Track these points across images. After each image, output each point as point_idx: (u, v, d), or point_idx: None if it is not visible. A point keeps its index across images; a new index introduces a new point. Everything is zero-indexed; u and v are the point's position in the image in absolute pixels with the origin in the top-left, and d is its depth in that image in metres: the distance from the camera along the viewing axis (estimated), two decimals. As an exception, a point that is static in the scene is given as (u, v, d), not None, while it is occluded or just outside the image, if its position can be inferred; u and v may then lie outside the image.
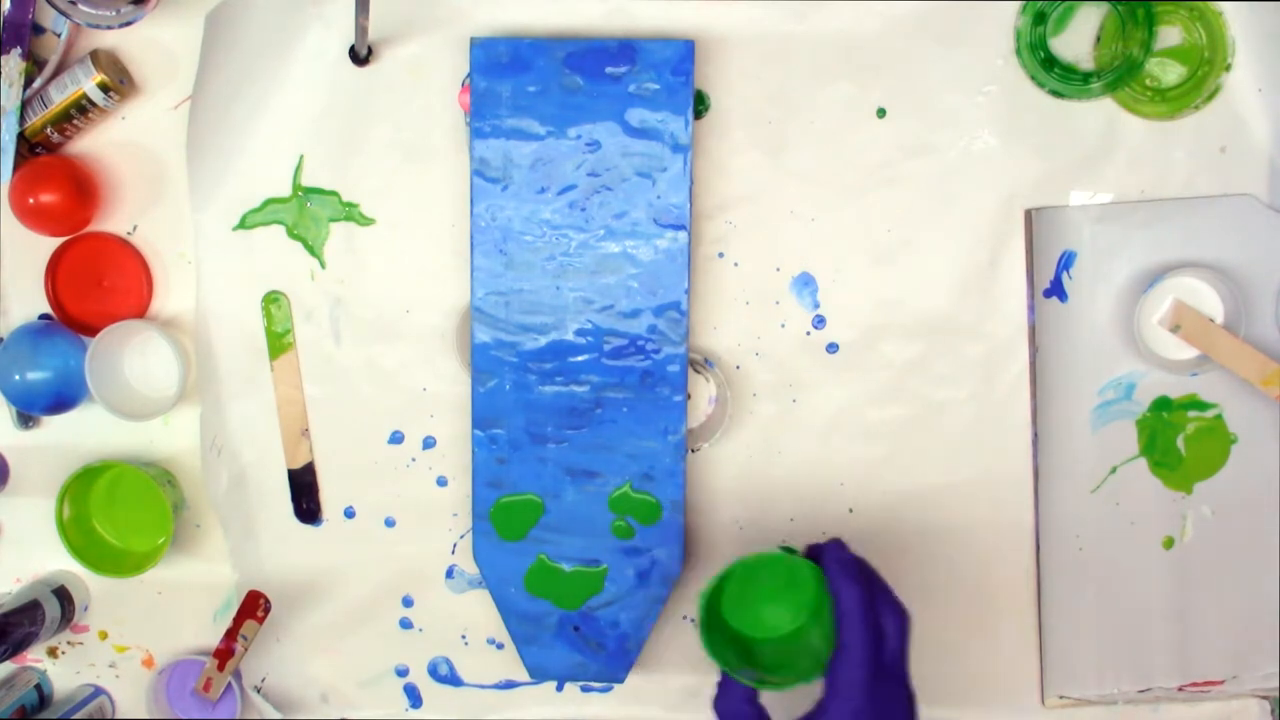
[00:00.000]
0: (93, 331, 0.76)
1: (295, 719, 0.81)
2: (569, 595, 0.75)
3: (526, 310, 0.73)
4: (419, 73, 0.74)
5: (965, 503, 0.77)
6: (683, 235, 0.71)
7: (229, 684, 0.79)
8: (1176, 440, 0.76)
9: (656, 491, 0.74)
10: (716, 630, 0.67)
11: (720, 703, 0.66)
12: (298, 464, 0.79)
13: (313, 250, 0.77)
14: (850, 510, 0.77)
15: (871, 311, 0.75)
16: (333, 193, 0.76)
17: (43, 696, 0.83)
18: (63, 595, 0.80)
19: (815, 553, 0.66)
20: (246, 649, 0.77)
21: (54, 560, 0.82)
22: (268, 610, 0.77)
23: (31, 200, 0.74)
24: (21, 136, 0.75)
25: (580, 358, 0.73)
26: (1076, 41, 0.72)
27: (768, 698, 0.66)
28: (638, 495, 0.74)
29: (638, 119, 0.71)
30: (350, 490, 0.79)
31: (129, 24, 0.72)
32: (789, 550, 0.67)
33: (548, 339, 0.73)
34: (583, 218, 0.72)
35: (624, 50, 0.70)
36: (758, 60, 0.73)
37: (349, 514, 0.79)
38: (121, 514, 0.80)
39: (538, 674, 0.78)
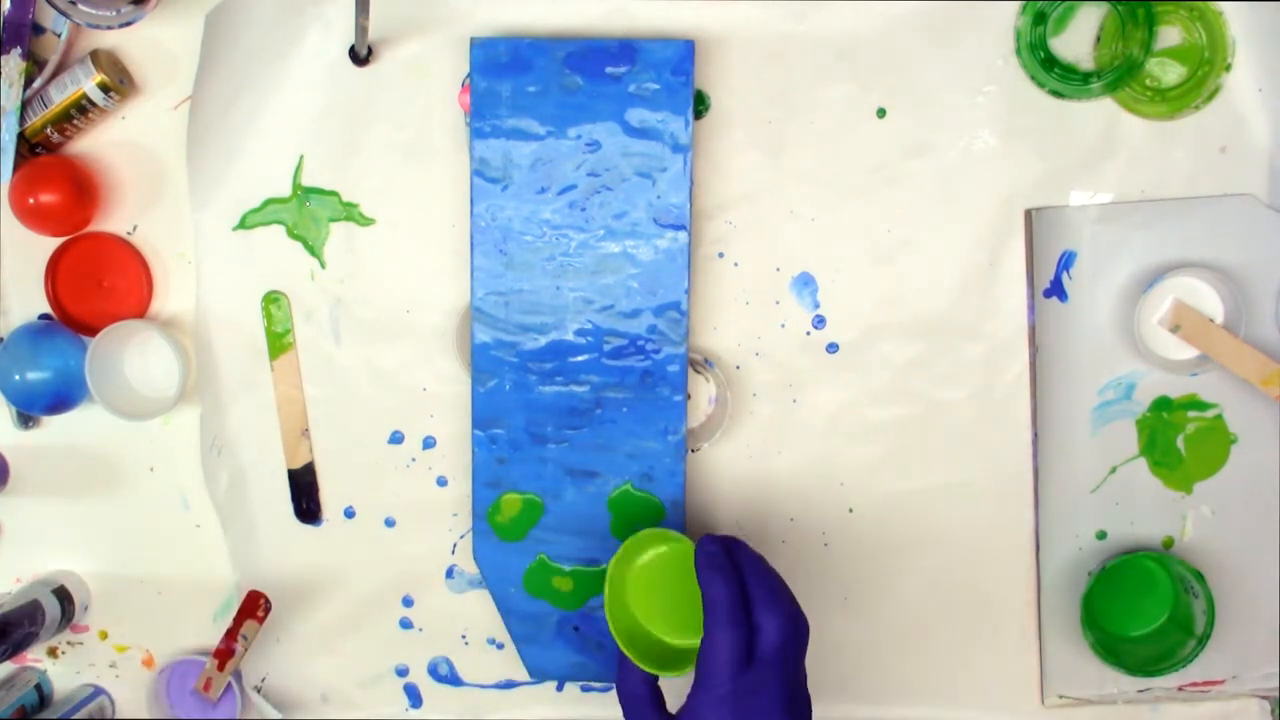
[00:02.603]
0: (93, 331, 0.76)
1: (295, 719, 0.81)
2: (569, 595, 0.75)
3: (526, 310, 0.73)
4: (419, 73, 0.74)
5: (965, 503, 0.77)
6: (683, 235, 0.72)
7: (229, 684, 0.79)
8: (1176, 440, 0.76)
9: (657, 491, 0.74)
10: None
11: (621, 683, 0.68)
12: (298, 464, 0.79)
13: (313, 250, 0.77)
14: (850, 510, 0.77)
15: (871, 311, 0.75)
16: (333, 193, 0.76)
17: (43, 696, 0.83)
18: (63, 595, 0.80)
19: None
20: (246, 649, 0.77)
21: (54, 560, 0.82)
22: (268, 610, 0.77)
23: (31, 200, 0.74)
24: (21, 136, 0.75)
25: (580, 358, 0.73)
26: (1076, 41, 0.72)
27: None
28: (638, 495, 0.74)
29: (638, 119, 0.71)
30: (350, 490, 0.79)
31: (129, 24, 0.72)
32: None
33: (548, 339, 0.73)
34: (583, 218, 0.72)
35: (624, 50, 0.70)
36: (758, 60, 0.73)
37: (349, 514, 0.79)
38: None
39: (538, 674, 0.78)
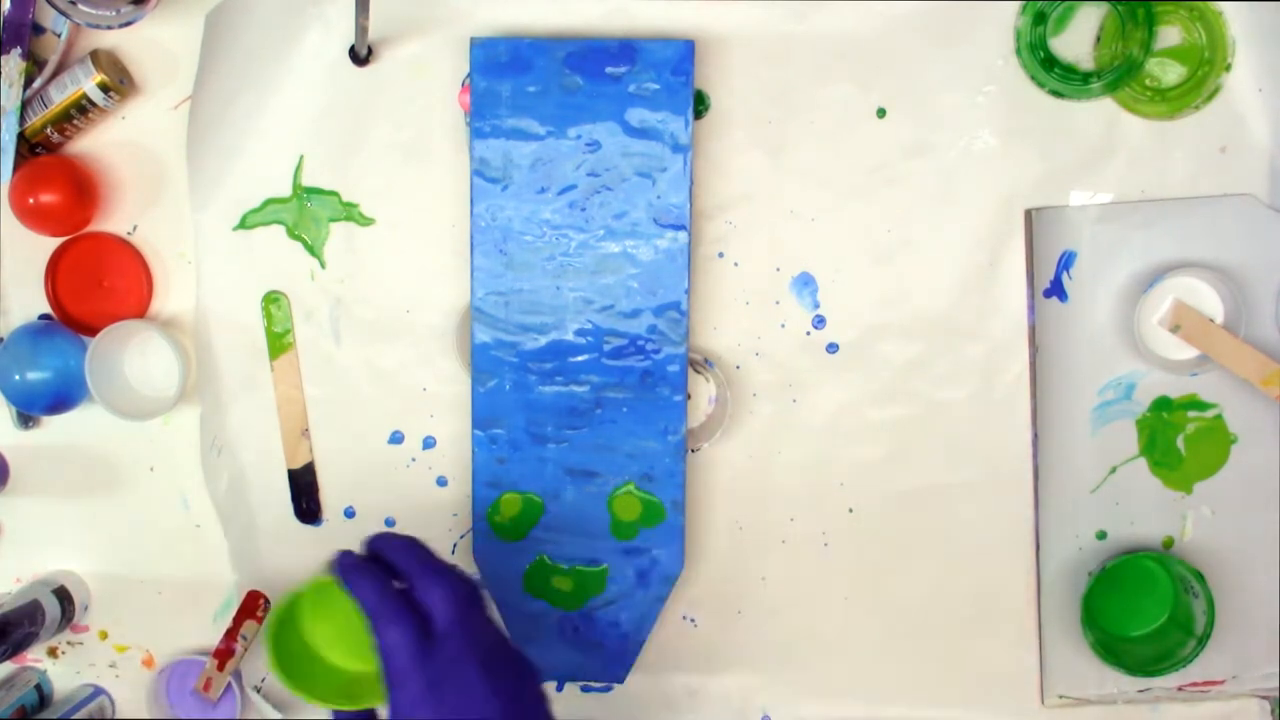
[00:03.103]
0: (93, 331, 0.76)
1: (295, 719, 0.81)
2: (569, 595, 0.75)
3: (526, 310, 0.73)
4: (419, 73, 0.74)
5: (965, 503, 0.77)
6: (683, 235, 0.71)
7: (229, 684, 0.79)
8: (1176, 440, 0.76)
9: (657, 491, 0.74)
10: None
11: None
12: (298, 464, 0.79)
13: (313, 250, 0.77)
14: (850, 510, 0.77)
15: (871, 311, 0.75)
16: (333, 193, 0.76)
17: (43, 696, 0.83)
18: (63, 595, 0.80)
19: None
20: (246, 649, 0.77)
21: (54, 560, 0.82)
22: (267, 610, 0.77)
23: (31, 200, 0.74)
24: (21, 136, 0.75)
25: (580, 358, 0.73)
26: (1076, 41, 0.72)
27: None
28: (640, 495, 0.74)
29: (638, 119, 0.71)
30: (350, 490, 0.79)
31: (129, 24, 0.72)
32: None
33: (548, 339, 0.73)
34: (583, 218, 0.72)
35: (624, 50, 0.70)
36: (758, 60, 0.73)
37: (349, 514, 0.79)
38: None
39: (538, 674, 0.78)
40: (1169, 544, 0.77)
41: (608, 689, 0.80)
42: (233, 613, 0.78)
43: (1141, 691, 0.78)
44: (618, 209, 0.72)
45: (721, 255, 0.75)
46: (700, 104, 0.73)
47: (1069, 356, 0.75)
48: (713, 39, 0.72)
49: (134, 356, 0.79)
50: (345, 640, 0.64)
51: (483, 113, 0.71)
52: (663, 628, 0.78)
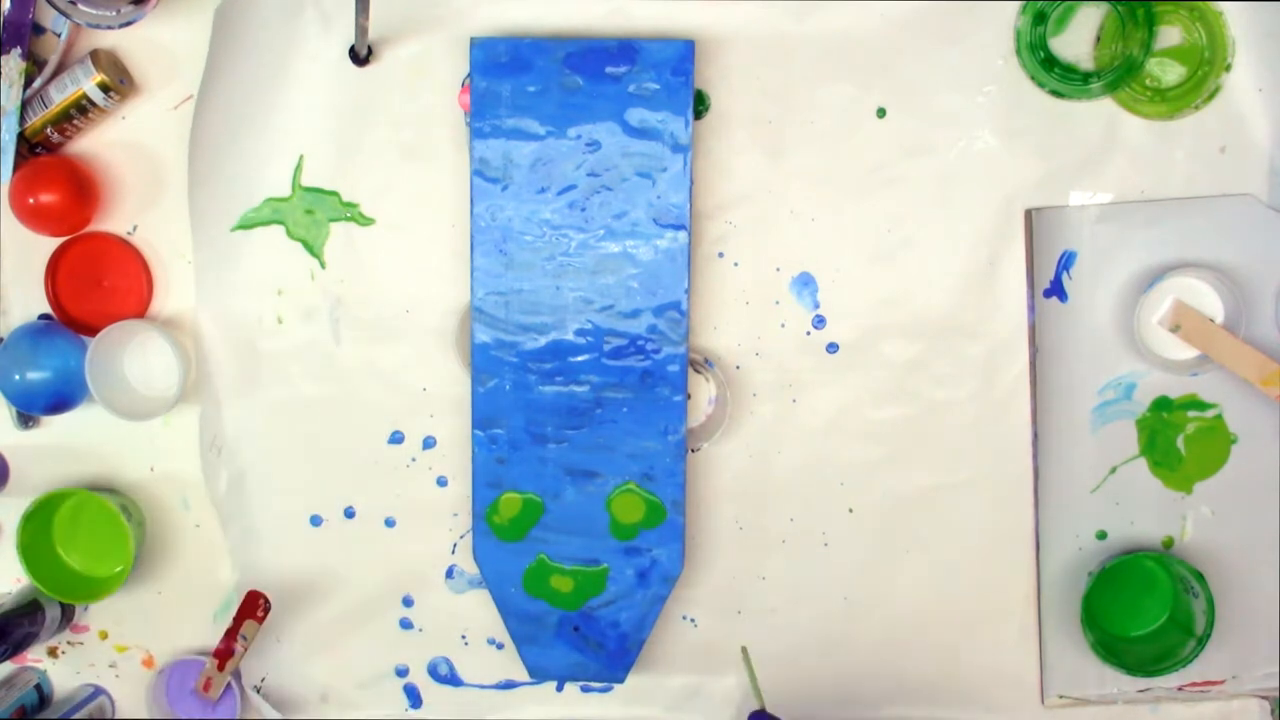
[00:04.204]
0: (93, 331, 0.76)
1: (295, 719, 0.81)
2: (569, 595, 0.76)
3: (526, 310, 0.73)
4: (419, 73, 0.74)
5: (965, 503, 0.77)
6: (683, 235, 0.71)
7: (229, 684, 0.79)
8: (1176, 440, 0.76)
9: (657, 491, 0.74)
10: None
11: None
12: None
13: (313, 250, 0.77)
14: (850, 510, 0.77)
15: (871, 311, 0.75)
16: (333, 193, 0.76)
17: (43, 696, 0.83)
18: (63, 595, 0.80)
19: None
20: (246, 649, 0.77)
21: (54, 560, 0.82)
22: (268, 610, 0.77)
23: (31, 200, 0.74)
24: (21, 136, 0.75)
25: (580, 358, 0.73)
26: (1076, 41, 0.72)
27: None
28: (640, 495, 0.74)
29: (638, 119, 0.71)
30: (350, 490, 0.79)
31: (129, 24, 0.72)
32: None
33: (548, 339, 0.73)
34: (583, 218, 0.72)
35: (624, 50, 0.70)
36: (758, 60, 0.73)
37: (349, 514, 0.79)
38: (84, 540, 0.80)
39: (538, 674, 0.78)
40: (1169, 544, 0.77)
41: (608, 689, 0.80)
42: (233, 613, 0.78)
43: (1141, 691, 0.78)
44: (618, 209, 0.72)
45: (721, 255, 0.75)
46: (700, 104, 0.73)
47: (1069, 356, 0.75)
48: (713, 39, 0.72)
49: (134, 356, 0.79)
50: (85, 547, 0.80)
51: (483, 113, 0.71)
52: (663, 628, 0.78)
